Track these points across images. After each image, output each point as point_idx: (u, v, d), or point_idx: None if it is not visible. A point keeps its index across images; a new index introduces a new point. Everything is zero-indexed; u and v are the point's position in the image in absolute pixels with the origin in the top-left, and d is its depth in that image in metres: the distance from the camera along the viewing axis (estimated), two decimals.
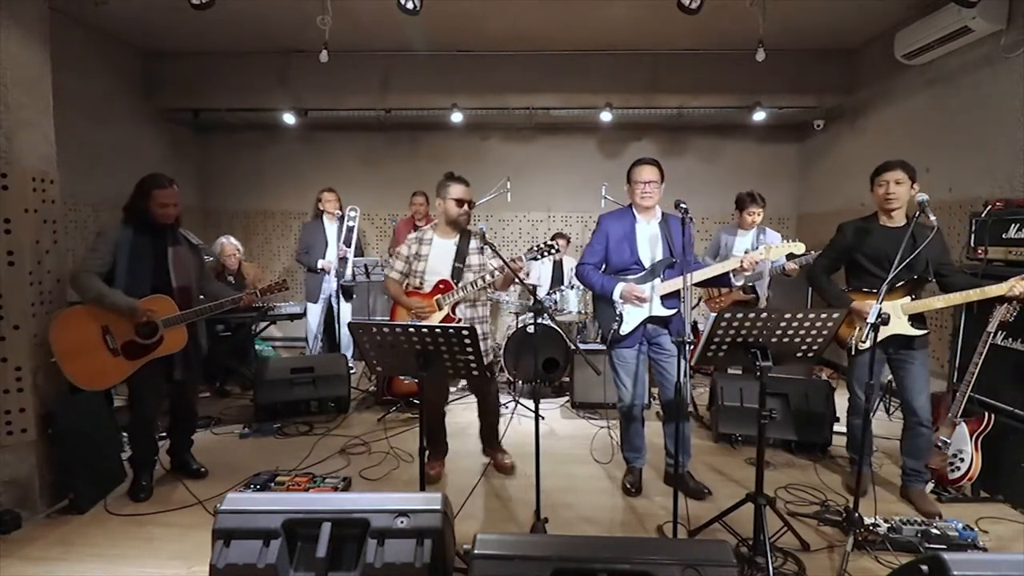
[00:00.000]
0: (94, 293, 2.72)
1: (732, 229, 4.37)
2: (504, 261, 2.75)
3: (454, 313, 2.98)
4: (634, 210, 2.98)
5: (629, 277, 2.92)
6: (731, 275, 2.92)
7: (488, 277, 2.95)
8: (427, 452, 3.13)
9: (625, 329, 2.90)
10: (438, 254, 3.04)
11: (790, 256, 3.04)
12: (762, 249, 2.93)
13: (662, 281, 2.88)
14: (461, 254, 3.00)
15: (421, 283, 3.03)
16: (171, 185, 2.91)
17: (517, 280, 2.81)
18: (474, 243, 3.08)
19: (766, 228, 4.31)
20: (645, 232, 2.95)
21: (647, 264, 2.92)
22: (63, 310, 2.81)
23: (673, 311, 2.90)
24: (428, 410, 3.18)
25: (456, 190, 3.00)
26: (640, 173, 2.91)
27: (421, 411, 2.38)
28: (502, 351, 4.32)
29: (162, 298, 2.87)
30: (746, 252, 2.89)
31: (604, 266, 3.02)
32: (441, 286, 2.98)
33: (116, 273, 2.80)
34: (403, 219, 5.57)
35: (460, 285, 2.96)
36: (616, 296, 2.88)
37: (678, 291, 2.87)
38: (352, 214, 4.94)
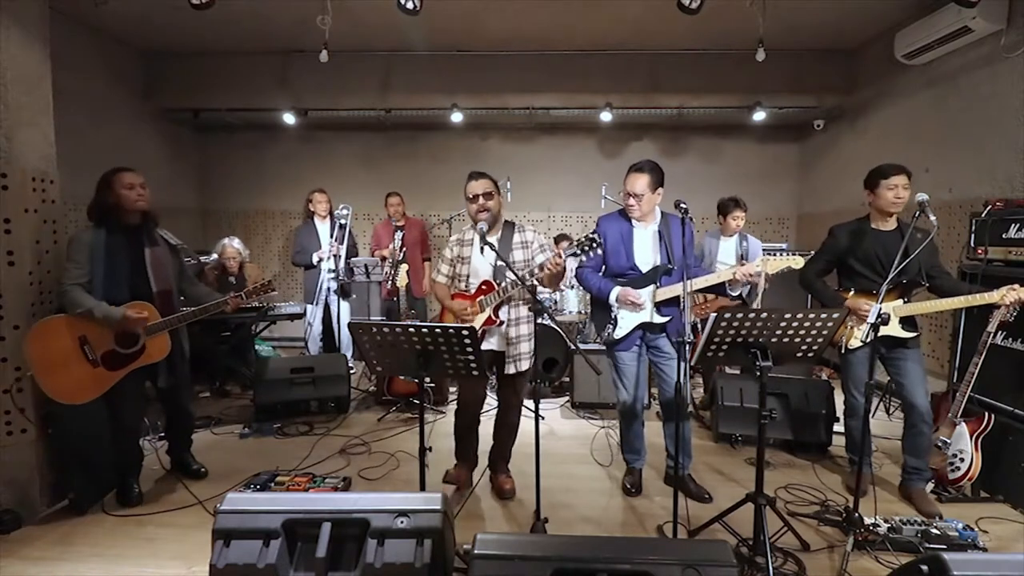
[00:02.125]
0: (83, 309, 2.60)
1: (715, 234, 4.36)
2: (506, 262, 2.68)
3: (496, 315, 2.85)
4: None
5: (625, 281, 2.89)
6: (727, 285, 2.88)
7: (528, 277, 2.71)
8: (457, 458, 3.11)
9: (619, 333, 2.89)
10: (480, 254, 2.92)
11: (815, 256, 2.94)
12: (759, 261, 2.86)
13: (658, 287, 2.85)
14: (502, 252, 2.78)
15: (467, 286, 2.94)
16: (131, 170, 2.77)
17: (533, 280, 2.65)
18: (517, 237, 2.92)
19: (748, 235, 4.29)
20: (642, 236, 2.92)
21: (643, 269, 2.89)
22: (37, 323, 2.65)
23: (668, 319, 2.87)
24: (460, 409, 3.08)
25: (469, 188, 2.84)
26: (626, 183, 2.82)
27: (421, 412, 2.38)
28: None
29: (144, 304, 2.74)
30: (742, 262, 2.85)
31: (603, 269, 3.01)
32: (483, 287, 2.87)
33: (93, 279, 2.66)
34: (382, 221, 5.56)
35: (502, 286, 2.82)
36: (612, 299, 2.87)
37: (674, 298, 2.83)
38: (344, 212, 4.95)
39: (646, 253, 2.90)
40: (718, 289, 2.91)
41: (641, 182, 2.78)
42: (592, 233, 2.61)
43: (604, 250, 2.93)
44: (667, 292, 2.83)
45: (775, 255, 2.88)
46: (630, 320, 2.89)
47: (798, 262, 2.85)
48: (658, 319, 2.85)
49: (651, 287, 2.86)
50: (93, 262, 2.67)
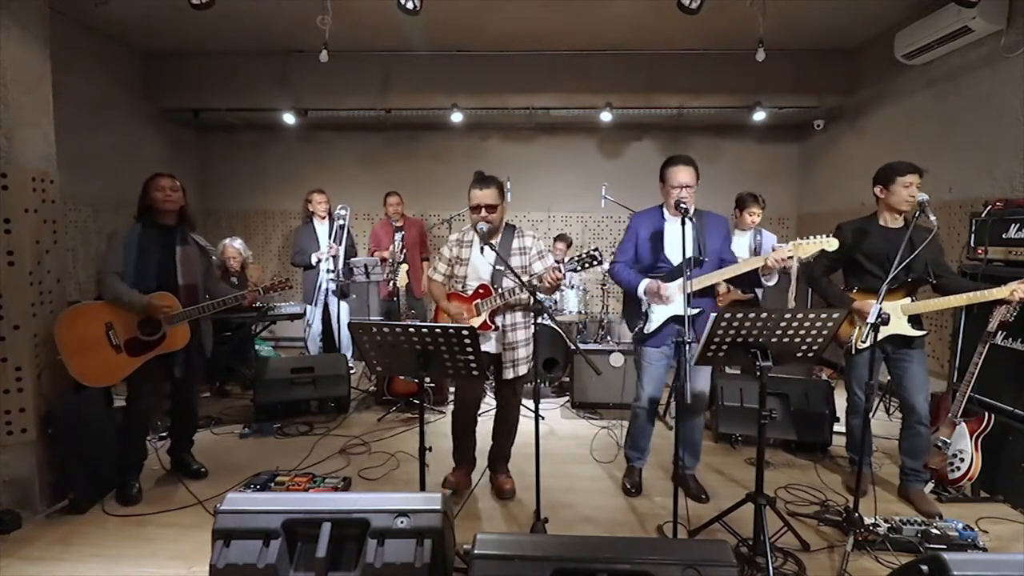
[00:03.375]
0: (112, 295, 2.81)
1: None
2: (507, 265, 2.67)
3: (492, 320, 2.85)
4: (664, 209, 2.92)
5: (656, 275, 2.86)
6: (760, 274, 2.78)
7: (526, 287, 2.67)
8: (455, 459, 3.11)
9: (650, 328, 2.85)
10: (478, 257, 2.92)
11: (822, 253, 2.77)
12: (791, 246, 2.71)
13: (689, 279, 2.75)
14: (501, 256, 2.76)
15: (464, 287, 2.93)
16: (167, 176, 2.99)
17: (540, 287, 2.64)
18: (516, 243, 2.92)
19: (763, 229, 4.29)
20: (674, 230, 2.85)
21: (675, 262, 2.84)
22: (68, 308, 2.84)
23: (698, 310, 2.77)
24: (458, 409, 3.06)
25: (472, 195, 2.81)
26: (676, 175, 2.79)
27: (421, 412, 2.38)
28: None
29: (165, 295, 2.89)
30: (774, 249, 2.72)
31: (635, 264, 2.97)
32: (480, 291, 2.87)
33: (125, 269, 2.85)
34: (380, 221, 5.55)
35: (499, 291, 2.82)
36: (640, 292, 2.84)
37: (706, 289, 2.82)
38: (342, 212, 4.96)
39: (677, 247, 2.81)
40: (751, 278, 2.80)
41: (690, 174, 2.79)
42: (592, 249, 2.62)
43: (636, 244, 2.93)
44: (698, 283, 2.78)
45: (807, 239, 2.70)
46: (661, 314, 2.85)
47: (832, 244, 2.69)
48: (689, 311, 2.75)
49: (680, 279, 2.79)
50: (127, 254, 2.87)
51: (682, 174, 2.79)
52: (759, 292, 4.11)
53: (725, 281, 2.97)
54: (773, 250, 2.71)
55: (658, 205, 2.98)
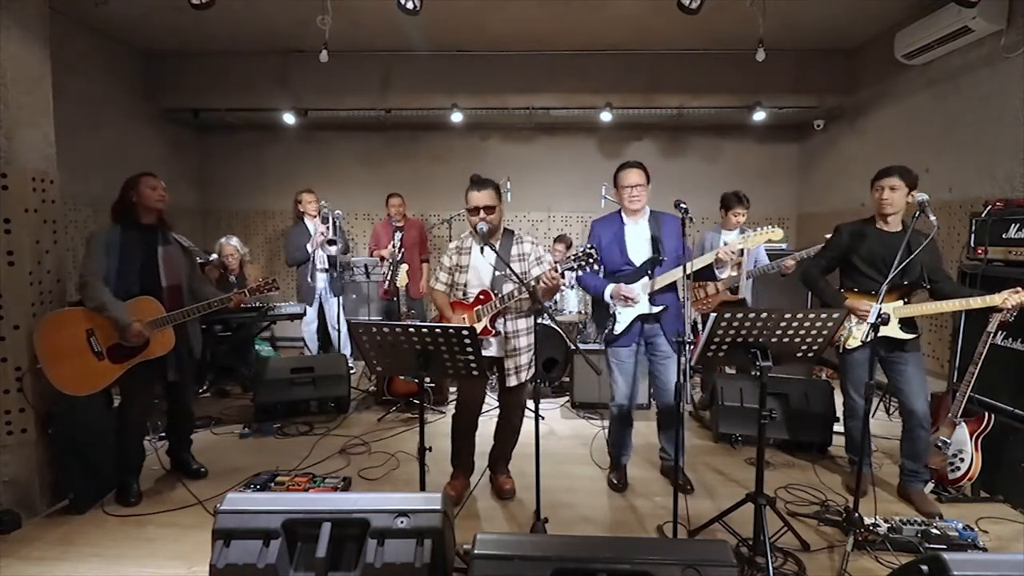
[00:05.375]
0: (97, 303, 2.71)
1: (716, 229, 4.34)
2: (506, 264, 2.68)
3: (492, 325, 2.84)
4: (622, 213, 3.05)
5: (620, 277, 2.97)
6: (715, 268, 3.00)
7: (525, 287, 2.64)
8: (454, 466, 3.10)
9: (619, 328, 2.97)
10: (478, 263, 2.91)
11: (781, 254, 3.12)
12: (740, 238, 3.00)
13: (651, 278, 2.94)
14: (501, 261, 2.73)
15: (465, 294, 2.93)
16: (152, 174, 2.95)
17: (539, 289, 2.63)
18: (515, 249, 2.91)
19: (748, 229, 4.28)
20: (634, 233, 3.01)
21: (637, 264, 2.98)
22: (47, 315, 2.74)
23: (661, 308, 2.94)
24: (459, 411, 3.04)
25: (470, 198, 2.81)
26: (626, 177, 2.98)
27: (421, 412, 2.38)
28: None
29: (149, 299, 2.83)
30: (724, 244, 2.96)
31: (600, 269, 3.03)
32: (481, 296, 2.87)
33: (107, 272, 2.78)
34: (381, 221, 5.55)
35: (499, 296, 2.81)
36: (607, 296, 2.94)
37: (667, 287, 2.96)
38: (326, 206, 4.98)
39: (639, 248, 2.99)
40: (707, 274, 3.02)
41: (639, 175, 2.97)
42: (588, 247, 2.63)
43: (600, 249, 2.94)
44: (659, 281, 2.93)
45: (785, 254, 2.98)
46: (628, 314, 2.96)
47: (777, 233, 3.06)
48: (653, 309, 2.94)
49: (644, 279, 2.95)
50: (109, 256, 2.79)
51: (632, 176, 2.98)
52: (747, 295, 4.15)
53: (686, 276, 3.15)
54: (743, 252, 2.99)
55: (616, 211, 3.12)
